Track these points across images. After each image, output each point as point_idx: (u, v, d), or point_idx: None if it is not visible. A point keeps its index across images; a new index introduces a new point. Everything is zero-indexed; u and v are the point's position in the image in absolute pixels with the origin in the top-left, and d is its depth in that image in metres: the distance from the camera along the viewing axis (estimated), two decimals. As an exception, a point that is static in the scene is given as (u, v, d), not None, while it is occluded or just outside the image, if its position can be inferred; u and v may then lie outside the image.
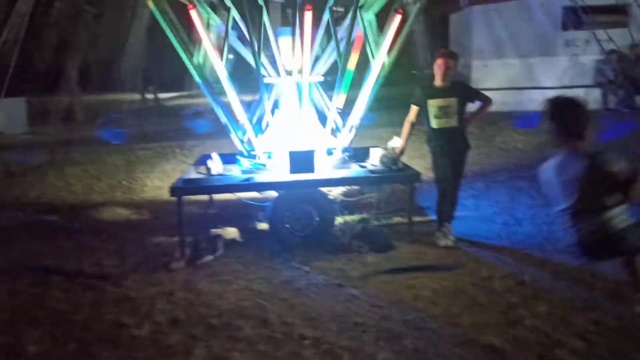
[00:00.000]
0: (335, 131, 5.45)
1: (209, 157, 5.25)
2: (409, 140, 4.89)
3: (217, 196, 5.81)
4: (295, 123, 5.28)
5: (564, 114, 2.98)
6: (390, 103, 9.76)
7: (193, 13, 4.75)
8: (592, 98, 11.62)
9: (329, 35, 5.40)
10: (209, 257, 4.49)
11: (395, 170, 4.86)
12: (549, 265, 4.15)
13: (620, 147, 7.02)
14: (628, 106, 11.16)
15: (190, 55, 4.94)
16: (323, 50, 5.57)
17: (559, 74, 12.46)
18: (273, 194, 4.99)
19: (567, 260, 4.17)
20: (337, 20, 5.39)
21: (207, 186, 4.91)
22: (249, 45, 5.03)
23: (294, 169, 4.70)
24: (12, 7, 7.83)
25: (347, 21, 5.34)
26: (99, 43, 16.22)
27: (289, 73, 5.28)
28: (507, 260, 4.28)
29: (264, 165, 5.05)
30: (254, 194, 5.31)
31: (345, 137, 5.39)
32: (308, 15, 4.80)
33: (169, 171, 8.26)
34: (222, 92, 5.22)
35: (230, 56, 5.15)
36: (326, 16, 5.23)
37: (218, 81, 5.17)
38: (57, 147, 10.13)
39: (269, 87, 5.42)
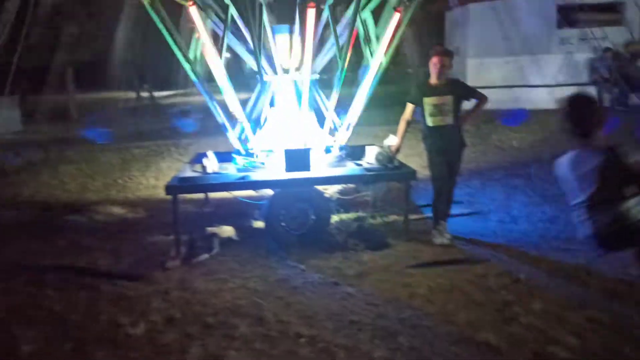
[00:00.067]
0: (332, 129, 5.45)
1: (204, 155, 5.24)
2: (404, 138, 4.89)
3: (213, 194, 5.80)
4: (292, 121, 5.27)
5: (580, 111, 3.05)
6: (386, 101, 9.78)
7: (193, 10, 4.72)
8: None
9: (324, 33, 5.39)
10: (205, 256, 4.48)
11: (391, 168, 4.86)
12: (544, 262, 4.16)
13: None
14: (622, 104, 11.22)
15: (185, 53, 4.92)
16: (319, 49, 5.56)
17: (554, 72, 12.50)
18: (269, 192, 4.99)
19: (562, 257, 4.22)
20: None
21: (202, 184, 4.90)
22: (243, 43, 5.01)
23: (289, 167, 4.70)
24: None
25: (344, 19, 5.34)
26: (92, 41, 16.15)
27: (286, 71, 5.27)
28: (502, 258, 4.29)
29: (262, 163, 5.04)
30: (249, 192, 5.30)
31: (343, 135, 5.38)
32: (311, 12, 4.76)
33: (164, 169, 8.24)
34: (216, 90, 5.20)
35: (227, 55, 5.14)
36: (325, 13, 5.22)
37: (212, 79, 5.16)
38: (51, 145, 10.10)
39: (265, 85, 5.41)
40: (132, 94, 18.93)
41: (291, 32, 5.24)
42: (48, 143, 10.45)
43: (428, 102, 4.59)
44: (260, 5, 4.98)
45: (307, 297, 3.69)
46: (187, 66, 4.95)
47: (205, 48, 4.94)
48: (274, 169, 4.90)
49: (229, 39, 5.32)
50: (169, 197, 4.54)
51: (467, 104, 4.76)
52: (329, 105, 5.28)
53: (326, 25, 5.26)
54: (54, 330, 3.31)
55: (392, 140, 4.90)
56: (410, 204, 5.14)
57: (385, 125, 8.27)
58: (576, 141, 3.02)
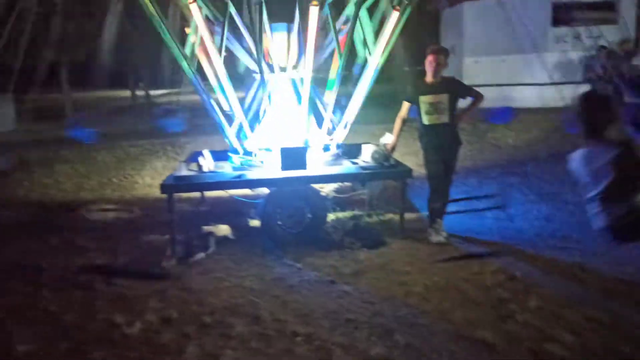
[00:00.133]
0: (331, 128, 5.44)
1: (200, 154, 5.23)
2: (400, 137, 4.89)
3: (209, 193, 5.79)
4: (288, 119, 5.26)
5: (593, 108, 3.11)
6: (382, 100, 9.78)
7: (193, 7, 4.70)
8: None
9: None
10: (201, 255, 4.47)
11: (387, 166, 4.86)
12: (540, 260, 4.18)
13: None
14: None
15: (182, 51, 4.90)
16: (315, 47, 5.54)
17: (549, 70, 12.53)
18: (265, 190, 4.98)
19: (558, 255, 4.24)
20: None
21: (198, 183, 4.89)
22: (239, 41, 4.99)
23: (285, 166, 4.69)
24: None
25: (342, 17, 5.33)
26: (87, 40, 16.10)
27: (283, 69, 5.26)
28: (498, 256, 4.30)
29: (262, 162, 5.02)
30: (246, 191, 5.29)
31: (340, 134, 5.38)
32: (314, 10, 4.74)
33: (159, 168, 8.21)
34: (210, 89, 5.18)
35: (225, 53, 5.12)
36: (325, 12, 5.20)
37: (204, 78, 5.14)
38: (45, 144, 10.05)
39: (258, 82, 5.39)
40: (127, 93, 18.89)
41: (289, 30, 5.22)
42: (42, 142, 10.39)
43: (424, 100, 4.60)
44: (261, 3, 4.95)
45: (304, 295, 3.69)
46: (185, 65, 4.92)
47: (206, 46, 4.90)
48: (270, 168, 4.89)
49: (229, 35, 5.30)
50: (165, 196, 4.52)
51: (463, 102, 4.77)
52: (328, 103, 5.26)
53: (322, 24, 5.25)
54: (50, 330, 3.30)
55: (388, 139, 4.90)
56: (406, 202, 5.15)
57: (381, 123, 8.27)
58: (589, 137, 3.08)
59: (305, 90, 5.06)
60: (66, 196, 6.93)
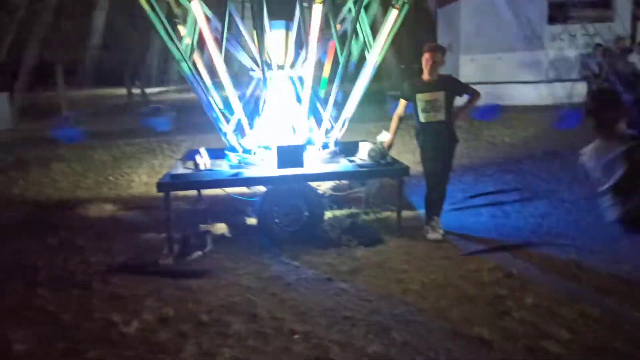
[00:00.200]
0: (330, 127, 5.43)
1: (196, 152, 5.22)
2: (397, 135, 4.89)
3: (206, 192, 5.78)
4: (286, 117, 5.25)
5: (603, 104, 3.14)
6: (379, 97, 9.79)
7: (195, 4, 4.67)
8: (577, 92, 11.76)
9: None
10: (198, 253, 4.47)
11: (384, 164, 4.86)
12: (537, 257, 4.19)
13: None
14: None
15: (181, 52, 4.88)
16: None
17: (546, 68, 12.57)
18: (262, 189, 4.97)
19: (554, 252, 4.25)
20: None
21: (195, 181, 4.88)
22: (236, 39, 4.97)
23: (282, 164, 4.69)
24: None
25: (341, 15, 5.32)
26: (83, 39, 16.04)
27: (281, 67, 5.25)
28: (495, 253, 4.31)
29: (262, 159, 5.01)
30: (243, 189, 5.28)
31: (338, 131, 5.38)
32: (317, 8, 4.72)
33: (156, 167, 8.21)
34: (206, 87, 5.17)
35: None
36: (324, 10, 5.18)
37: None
38: (42, 143, 10.01)
39: (256, 80, 5.39)
40: (123, 91, 18.83)
41: (287, 28, 5.20)
42: (39, 140, 10.35)
43: (420, 98, 4.60)
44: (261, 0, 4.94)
45: (301, 293, 3.69)
46: (184, 65, 4.90)
47: (207, 43, 4.88)
48: (267, 166, 4.88)
49: (219, 34, 5.29)
50: (161, 194, 4.51)
51: (460, 100, 4.77)
52: (328, 101, 5.25)
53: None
54: (47, 330, 3.29)
55: (385, 137, 4.90)
56: (403, 200, 5.16)
57: (378, 121, 8.28)
58: (600, 132, 3.12)
59: (307, 89, 5.04)
60: (62, 195, 6.91)
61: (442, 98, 4.57)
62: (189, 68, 4.91)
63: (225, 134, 5.25)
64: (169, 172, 5.04)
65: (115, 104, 16.62)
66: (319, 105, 5.45)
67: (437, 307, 3.41)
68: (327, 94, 5.32)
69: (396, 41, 5.12)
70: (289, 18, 5.19)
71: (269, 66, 5.26)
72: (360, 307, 3.44)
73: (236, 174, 4.73)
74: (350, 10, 5.21)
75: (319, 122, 5.33)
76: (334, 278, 3.91)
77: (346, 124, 5.42)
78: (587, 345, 2.93)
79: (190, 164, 5.16)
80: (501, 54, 12.97)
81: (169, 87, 20.06)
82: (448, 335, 3.07)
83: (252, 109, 5.44)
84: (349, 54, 5.09)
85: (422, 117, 4.63)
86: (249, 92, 5.47)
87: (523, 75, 12.86)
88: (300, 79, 5.31)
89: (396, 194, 4.95)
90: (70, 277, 4.11)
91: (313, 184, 5.00)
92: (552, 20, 12.79)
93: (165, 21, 4.78)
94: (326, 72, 5.39)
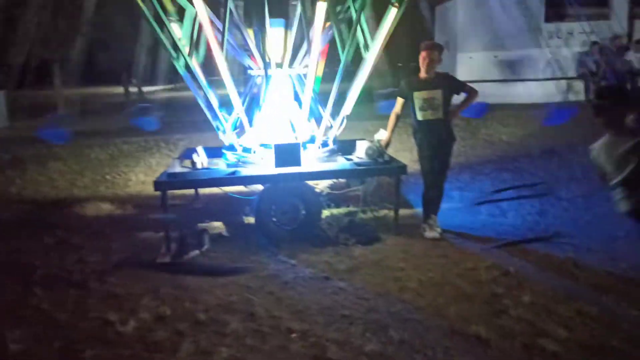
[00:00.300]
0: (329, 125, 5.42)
1: (194, 150, 5.20)
2: (395, 133, 4.89)
3: (203, 190, 5.77)
4: (284, 116, 5.24)
5: (611, 101, 3.19)
6: (368, 97, 9.78)
7: (198, 2, 4.65)
8: (574, 89, 11.78)
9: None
10: (195, 252, 4.46)
11: (382, 162, 4.86)
12: (533, 255, 4.20)
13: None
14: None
15: (181, 52, 4.86)
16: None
17: (542, 66, 12.59)
18: (259, 187, 4.97)
19: (551, 250, 4.26)
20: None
21: (192, 180, 4.87)
22: (234, 37, 4.95)
23: (279, 162, 4.68)
24: None
25: (340, 15, 5.30)
26: (80, 36, 15.98)
27: (279, 65, 5.23)
28: (492, 251, 4.32)
29: (262, 158, 5.00)
30: (240, 188, 5.27)
31: (336, 129, 5.37)
32: (321, 6, 4.70)
33: (153, 165, 8.18)
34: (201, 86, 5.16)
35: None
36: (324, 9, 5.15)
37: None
38: (39, 141, 9.97)
39: (254, 79, 5.37)
40: (120, 89, 18.78)
41: (286, 26, 5.19)
42: (35, 139, 10.31)
43: (418, 96, 4.60)
44: None
45: (298, 292, 3.69)
46: (182, 64, 4.88)
47: (208, 41, 4.86)
48: (264, 164, 4.87)
49: (218, 33, 5.27)
50: (158, 193, 4.50)
51: (457, 98, 4.77)
52: (328, 99, 5.24)
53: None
54: (43, 329, 3.28)
55: (382, 135, 4.90)
56: (401, 198, 5.16)
57: (375, 119, 8.27)
58: (610, 127, 3.14)
59: (308, 88, 5.02)
60: (59, 193, 6.88)
61: (440, 96, 4.57)
62: (187, 66, 4.89)
63: (224, 132, 5.24)
64: (166, 170, 5.03)
65: (113, 102, 16.57)
66: (315, 104, 5.44)
67: (435, 305, 3.42)
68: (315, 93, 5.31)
69: (390, 39, 5.08)
70: (285, 16, 5.17)
71: (268, 64, 5.24)
72: (358, 305, 3.44)
73: (233, 173, 4.72)
74: (347, 9, 5.19)
75: (317, 120, 5.32)
76: (331, 276, 3.91)
77: (344, 122, 5.41)
78: (584, 343, 2.94)
79: (187, 162, 5.15)
80: (498, 52, 12.97)
81: (157, 87, 20.00)
82: (445, 333, 3.07)
83: (250, 107, 5.43)
84: (351, 51, 5.07)
85: (419, 115, 4.63)
86: (247, 90, 5.46)
87: (520, 73, 12.87)
88: (299, 77, 5.30)
89: (394, 192, 4.94)
90: (66, 276, 4.09)
91: (310, 182, 4.99)
92: (549, 18, 12.80)
93: (165, 21, 4.77)
94: (319, 71, 5.37)
